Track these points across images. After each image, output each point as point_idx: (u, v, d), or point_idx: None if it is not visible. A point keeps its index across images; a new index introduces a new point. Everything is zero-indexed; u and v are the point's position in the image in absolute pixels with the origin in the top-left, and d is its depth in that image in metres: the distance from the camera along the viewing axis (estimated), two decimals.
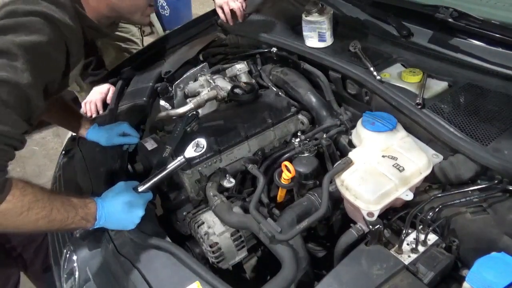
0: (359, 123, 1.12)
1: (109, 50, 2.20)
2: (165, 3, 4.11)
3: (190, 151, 1.01)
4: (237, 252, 1.06)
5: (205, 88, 1.49)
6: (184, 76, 1.55)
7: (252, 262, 1.22)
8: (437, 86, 1.13)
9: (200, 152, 1.01)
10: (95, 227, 0.92)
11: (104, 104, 1.60)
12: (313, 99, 1.36)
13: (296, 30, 1.49)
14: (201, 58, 1.70)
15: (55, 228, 0.85)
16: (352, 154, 1.04)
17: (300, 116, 1.37)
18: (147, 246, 0.99)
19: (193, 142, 1.01)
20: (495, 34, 1.12)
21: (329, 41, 1.39)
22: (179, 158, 1.01)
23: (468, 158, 0.95)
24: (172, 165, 1.01)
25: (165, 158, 1.11)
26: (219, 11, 1.74)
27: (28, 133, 0.83)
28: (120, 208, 0.92)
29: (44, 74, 0.83)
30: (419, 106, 1.05)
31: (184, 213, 1.15)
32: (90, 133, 1.33)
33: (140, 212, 0.95)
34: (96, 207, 0.90)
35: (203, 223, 1.06)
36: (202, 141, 1.02)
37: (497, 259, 0.73)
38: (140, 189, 0.98)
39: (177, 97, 1.53)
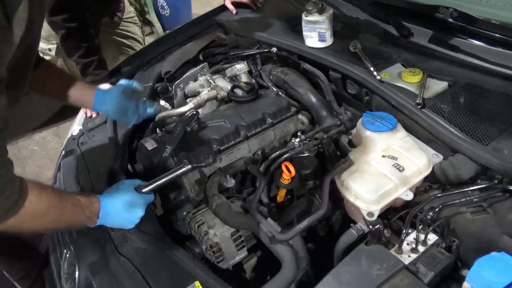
0: (359, 123, 1.12)
1: (111, 49, 2.21)
2: (165, 3, 4.11)
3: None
4: (237, 252, 1.06)
5: (205, 88, 1.49)
6: (184, 76, 1.54)
7: (252, 262, 1.21)
8: (437, 86, 1.13)
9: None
10: (97, 225, 0.92)
11: None
12: (313, 99, 1.36)
13: (296, 30, 1.49)
14: (201, 58, 1.70)
15: (60, 228, 0.86)
16: (352, 154, 1.04)
17: (300, 116, 1.37)
18: (147, 246, 0.99)
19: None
20: (495, 34, 1.12)
21: (329, 41, 1.38)
22: (186, 165, 1.01)
23: (468, 158, 0.95)
24: (178, 171, 1.01)
25: (165, 158, 1.11)
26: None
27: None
28: (121, 207, 0.92)
29: None
30: (419, 106, 1.05)
31: (184, 213, 1.14)
32: (97, 103, 1.18)
33: (140, 213, 0.95)
34: (99, 206, 0.90)
35: (203, 223, 1.06)
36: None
37: (497, 259, 0.73)
38: (143, 190, 0.98)
39: (177, 97, 1.53)
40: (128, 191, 0.95)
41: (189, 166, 1.01)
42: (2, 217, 0.72)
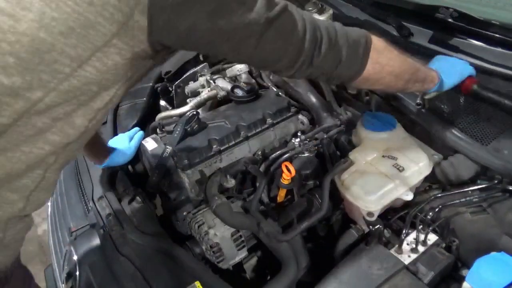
0: (359, 123, 1.12)
1: None
2: None
3: None
4: (237, 252, 1.06)
5: (205, 88, 1.49)
6: (184, 76, 1.54)
7: (252, 262, 1.21)
8: None
9: None
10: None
11: None
12: (313, 99, 1.36)
13: None
14: (201, 58, 1.70)
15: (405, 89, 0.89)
16: (352, 154, 1.04)
17: (300, 116, 1.37)
18: (147, 246, 0.99)
19: None
20: (495, 34, 1.12)
21: None
22: None
23: (468, 158, 0.95)
24: None
25: (165, 158, 1.11)
26: None
27: None
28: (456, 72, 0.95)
29: None
30: (419, 106, 1.05)
31: (184, 213, 1.14)
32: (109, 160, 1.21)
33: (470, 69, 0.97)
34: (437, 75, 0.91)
35: (203, 223, 1.06)
36: None
37: (497, 259, 0.73)
38: None
39: (177, 97, 1.53)
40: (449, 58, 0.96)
41: None
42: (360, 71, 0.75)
